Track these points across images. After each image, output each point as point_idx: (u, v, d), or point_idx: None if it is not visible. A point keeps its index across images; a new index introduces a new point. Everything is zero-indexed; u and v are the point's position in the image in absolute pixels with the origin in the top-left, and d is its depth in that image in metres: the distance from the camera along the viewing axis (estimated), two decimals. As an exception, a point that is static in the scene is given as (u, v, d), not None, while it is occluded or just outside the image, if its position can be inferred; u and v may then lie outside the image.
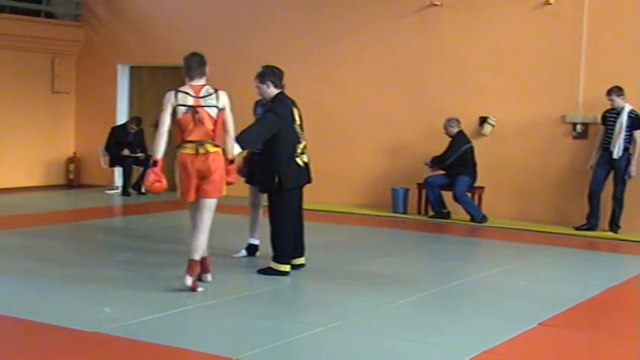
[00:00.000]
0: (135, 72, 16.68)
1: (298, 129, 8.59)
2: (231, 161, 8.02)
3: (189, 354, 5.97)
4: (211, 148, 7.76)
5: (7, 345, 6.15)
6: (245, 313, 7.23)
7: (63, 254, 9.56)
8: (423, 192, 13.31)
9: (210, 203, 7.87)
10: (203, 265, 8.05)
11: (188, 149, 7.72)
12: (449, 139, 12.90)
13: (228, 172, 7.95)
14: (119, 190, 15.40)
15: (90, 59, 16.77)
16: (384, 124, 14.04)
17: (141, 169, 15.32)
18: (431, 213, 13.16)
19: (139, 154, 15.26)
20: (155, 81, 16.46)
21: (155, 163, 7.68)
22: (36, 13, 16.64)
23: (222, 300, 7.57)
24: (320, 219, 12.29)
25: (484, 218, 12.67)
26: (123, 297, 7.61)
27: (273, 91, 8.55)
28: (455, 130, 12.84)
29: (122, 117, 16.40)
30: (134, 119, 15.45)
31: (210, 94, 7.78)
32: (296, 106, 8.67)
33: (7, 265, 8.86)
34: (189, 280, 7.68)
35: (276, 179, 8.41)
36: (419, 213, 13.34)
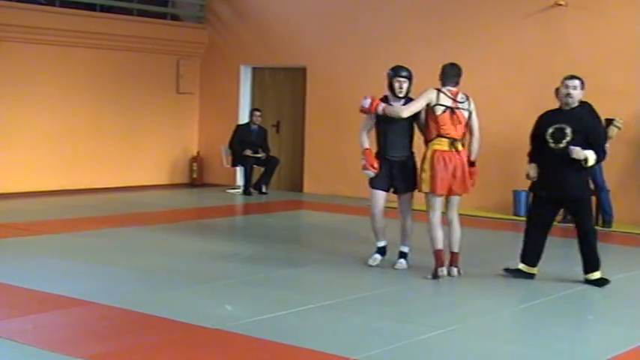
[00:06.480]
0: (257, 73, 16.91)
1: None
2: (472, 163, 8.62)
3: (308, 353, 6.02)
4: (460, 147, 8.48)
5: (129, 339, 6.32)
6: (364, 314, 7.26)
7: (187, 251, 9.77)
8: (545, 195, 13.03)
9: (458, 200, 8.64)
10: (454, 259, 8.67)
11: (444, 145, 8.32)
12: None
13: (469, 174, 8.53)
14: (241, 190, 15.62)
15: (213, 61, 17.08)
16: (505, 124, 13.81)
17: (262, 169, 15.51)
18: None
19: (260, 154, 15.45)
20: (276, 82, 16.66)
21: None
22: (162, 16, 17.05)
23: (343, 300, 7.62)
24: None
25: (610, 224, 12.28)
26: (245, 294, 7.74)
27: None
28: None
29: (244, 117, 16.61)
30: (254, 110, 15.72)
31: (464, 100, 8.44)
32: None
33: (133, 260, 9.12)
34: (444, 271, 8.49)
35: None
36: (541, 216, 13.07)
